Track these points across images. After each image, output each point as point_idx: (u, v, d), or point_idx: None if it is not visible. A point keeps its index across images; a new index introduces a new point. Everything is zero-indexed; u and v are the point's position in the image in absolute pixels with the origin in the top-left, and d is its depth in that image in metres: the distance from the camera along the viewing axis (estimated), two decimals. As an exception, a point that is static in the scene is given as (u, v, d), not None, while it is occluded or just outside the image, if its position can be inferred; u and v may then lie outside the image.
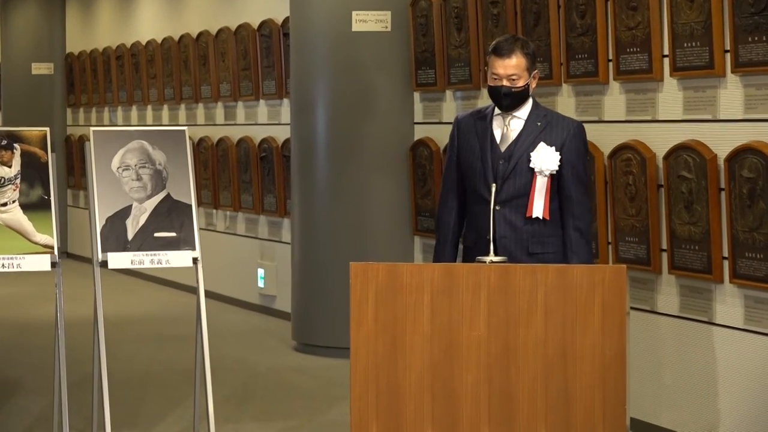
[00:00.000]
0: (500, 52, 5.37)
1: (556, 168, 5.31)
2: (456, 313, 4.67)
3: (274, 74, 10.21)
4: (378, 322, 4.71)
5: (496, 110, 5.43)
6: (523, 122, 5.40)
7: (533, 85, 5.39)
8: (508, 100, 5.37)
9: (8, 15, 15.07)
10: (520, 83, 5.35)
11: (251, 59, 10.51)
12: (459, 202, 5.54)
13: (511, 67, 5.34)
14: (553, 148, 5.32)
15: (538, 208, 5.32)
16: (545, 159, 5.30)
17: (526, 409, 4.64)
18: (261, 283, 10.58)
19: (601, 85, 6.78)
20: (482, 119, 5.47)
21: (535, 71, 5.39)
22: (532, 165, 5.31)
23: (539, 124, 5.38)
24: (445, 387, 4.67)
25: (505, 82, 5.35)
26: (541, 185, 5.32)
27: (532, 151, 5.33)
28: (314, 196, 8.73)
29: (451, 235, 5.56)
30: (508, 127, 5.41)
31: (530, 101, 5.43)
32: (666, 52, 6.33)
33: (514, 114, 5.41)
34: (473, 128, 5.48)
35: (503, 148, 5.38)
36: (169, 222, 6.09)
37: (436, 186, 8.28)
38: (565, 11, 6.94)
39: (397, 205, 8.64)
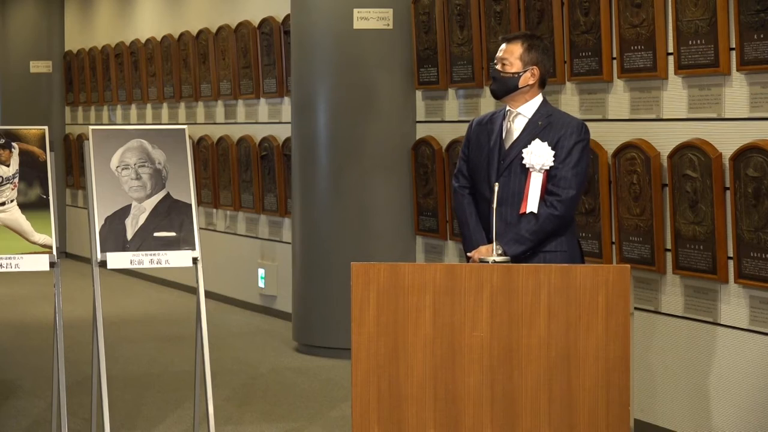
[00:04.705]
0: (505, 37, 5.53)
1: (551, 163, 5.29)
2: (458, 313, 4.63)
3: (274, 72, 10.17)
4: (379, 323, 4.67)
5: (507, 108, 5.44)
6: (527, 120, 5.40)
7: (530, 81, 5.38)
8: (494, 84, 5.47)
9: (6, 12, 15.04)
10: (509, 69, 5.40)
11: (252, 57, 10.47)
12: (473, 197, 5.56)
13: (505, 52, 5.46)
14: (546, 143, 5.31)
15: (533, 204, 5.31)
16: (538, 155, 5.30)
17: (529, 411, 4.61)
18: (261, 284, 10.54)
19: (605, 83, 6.74)
20: (496, 119, 5.50)
21: (533, 68, 5.38)
22: (524, 162, 5.30)
23: (540, 123, 5.38)
24: (447, 389, 4.64)
25: (497, 66, 5.42)
26: (535, 181, 5.31)
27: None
28: (315, 196, 8.69)
29: (476, 216, 5.52)
30: (512, 125, 5.41)
31: (539, 100, 5.43)
32: (671, 49, 6.29)
33: (519, 112, 5.41)
34: (485, 128, 5.51)
35: (506, 147, 5.40)
36: (169, 221, 6.05)
37: (438, 185, 8.24)
38: (569, 8, 6.90)
39: (399, 205, 8.60)
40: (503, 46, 5.47)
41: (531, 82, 5.41)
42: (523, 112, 5.43)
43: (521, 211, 5.33)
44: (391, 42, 8.56)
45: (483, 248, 5.36)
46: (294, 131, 8.94)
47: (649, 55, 6.38)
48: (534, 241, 5.30)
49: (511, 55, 5.41)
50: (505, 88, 5.42)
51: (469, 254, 5.44)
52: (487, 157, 5.43)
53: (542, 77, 5.43)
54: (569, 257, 5.39)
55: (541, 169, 5.30)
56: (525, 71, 5.39)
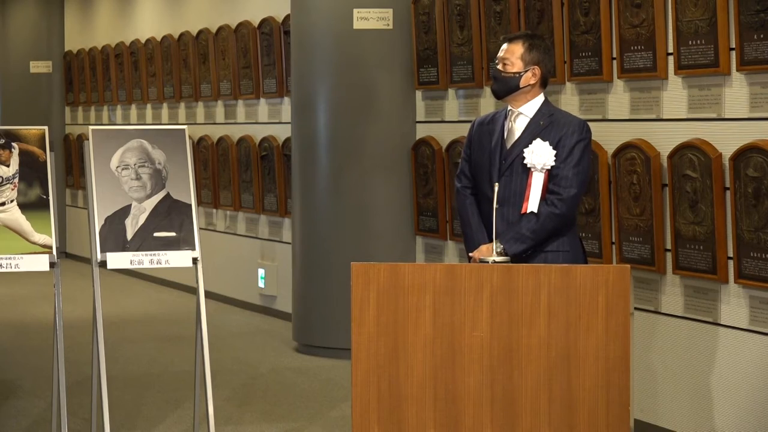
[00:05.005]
0: (506, 37, 5.52)
1: (552, 163, 5.29)
2: (458, 313, 4.63)
3: (274, 72, 10.17)
4: (379, 323, 4.67)
5: (509, 107, 5.44)
6: (528, 120, 5.40)
7: (531, 80, 5.38)
8: (495, 84, 5.47)
9: (7, 13, 15.04)
10: (510, 69, 5.40)
11: (252, 57, 10.47)
12: (475, 198, 5.56)
13: (506, 51, 5.46)
14: (547, 142, 5.30)
15: (534, 203, 5.31)
16: (539, 154, 5.30)
17: (529, 411, 4.60)
18: (261, 284, 10.54)
19: (605, 83, 6.74)
20: (497, 119, 5.49)
21: (535, 67, 5.38)
22: (525, 162, 5.30)
23: (542, 122, 5.38)
24: (447, 389, 4.64)
25: (498, 66, 5.41)
26: (537, 181, 5.31)
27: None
28: (315, 196, 8.69)
29: (479, 217, 5.51)
30: (513, 125, 5.41)
31: (540, 99, 5.42)
32: (670, 50, 6.28)
33: (521, 112, 5.41)
34: (487, 129, 5.51)
35: (508, 147, 5.39)
36: (169, 222, 6.05)
37: (438, 185, 8.24)
38: (569, 8, 6.90)
39: (399, 205, 8.60)
40: (504, 45, 5.46)
41: (532, 81, 5.41)
42: (524, 112, 5.43)
43: (522, 211, 5.32)
44: (391, 42, 8.56)
45: (484, 247, 5.36)
46: (294, 131, 8.94)
47: (649, 55, 6.38)
48: (534, 239, 5.30)
49: (512, 55, 5.41)
50: (507, 88, 5.42)
51: (470, 254, 5.44)
52: (489, 157, 5.43)
53: (544, 77, 5.43)
54: (571, 257, 5.38)
55: (542, 168, 5.30)
56: (526, 71, 5.39)
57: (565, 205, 5.30)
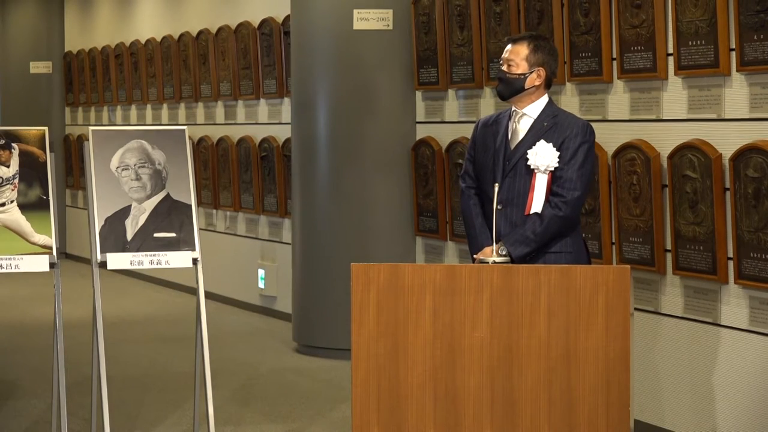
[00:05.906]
0: (511, 38, 5.50)
1: (555, 164, 5.28)
2: (458, 314, 4.64)
3: (274, 73, 10.17)
4: (379, 324, 4.68)
5: (513, 108, 5.43)
6: (532, 121, 5.39)
7: (536, 82, 5.37)
8: (500, 85, 5.46)
9: (7, 13, 15.04)
10: (515, 71, 5.38)
11: (252, 58, 10.47)
12: (479, 199, 5.54)
13: (511, 53, 5.45)
14: (551, 144, 5.30)
15: (537, 205, 5.30)
16: (543, 156, 5.29)
17: (529, 412, 4.61)
18: (261, 284, 10.54)
19: (605, 83, 6.74)
20: (501, 120, 5.48)
21: (539, 69, 5.37)
22: (529, 163, 5.29)
23: (546, 124, 5.37)
24: (447, 389, 4.65)
25: (503, 67, 5.40)
26: (540, 183, 5.30)
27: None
28: (315, 196, 8.69)
29: (482, 218, 5.50)
30: (517, 126, 5.41)
31: (544, 100, 5.41)
32: (670, 50, 6.29)
33: (525, 113, 5.40)
34: (490, 129, 5.50)
35: (511, 148, 5.39)
36: (169, 222, 6.05)
37: (438, 186, 8.24)
38: (569, 9, 6.90)
39: (399, 205, 8.60)
40: (509, 46, 5.45)
41: (537, 83, 5.40)
42: (528, 113, 5.42)
43: (526, 213, 5.32)
44: (391, 43, 8.56)
45: (488, 249, 5.35)
46: (294, 132, 8.94)
47: (649, 55, 6.38)
48: (539, 242, 5.29)
49: (517, 56, 5.40)
50: (512, 90, 5.41)
51: (475, 256, 5.42)
52: (493, 158, 5.42)
53: (548, 78, 5.42)
54: (574, 258, 5.37)
55: (545, 170, 5.29)
56: (531, 72, 5.38)
57: (569, 208, 5.29)
